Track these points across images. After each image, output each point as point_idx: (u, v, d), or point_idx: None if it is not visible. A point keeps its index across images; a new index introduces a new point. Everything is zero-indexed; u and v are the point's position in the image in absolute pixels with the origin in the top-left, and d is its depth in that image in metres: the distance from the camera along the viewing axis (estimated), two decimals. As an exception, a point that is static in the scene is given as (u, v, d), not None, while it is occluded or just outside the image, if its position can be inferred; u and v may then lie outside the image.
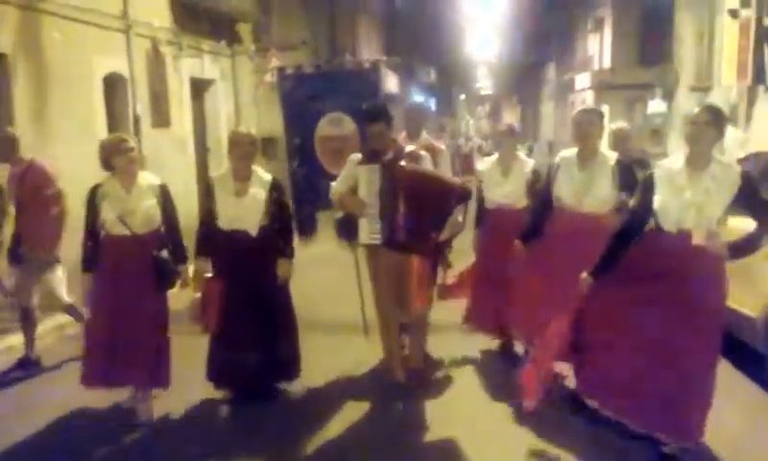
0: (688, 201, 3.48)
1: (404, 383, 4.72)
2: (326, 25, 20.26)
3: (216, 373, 4.49)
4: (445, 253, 5.06)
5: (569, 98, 30.88)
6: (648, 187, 3.66)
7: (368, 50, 24.63)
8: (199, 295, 4.33)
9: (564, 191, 4.32)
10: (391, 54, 29.78)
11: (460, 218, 4.58)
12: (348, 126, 5.65)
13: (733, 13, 12.10)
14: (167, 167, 10.46)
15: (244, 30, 13.93)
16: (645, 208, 3.65)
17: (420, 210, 4.16)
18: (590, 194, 4.23)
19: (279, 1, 15.63)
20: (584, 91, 26.68)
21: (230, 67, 13.50)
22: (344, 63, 6.12)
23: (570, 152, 4.45)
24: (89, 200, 4.25)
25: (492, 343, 5.45)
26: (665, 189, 3.57)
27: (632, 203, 3.83)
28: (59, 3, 8.28)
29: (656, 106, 18.18)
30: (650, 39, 20.20)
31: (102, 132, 9.29)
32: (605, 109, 18.00)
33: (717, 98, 13.85)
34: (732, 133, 9.96)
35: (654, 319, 3.56)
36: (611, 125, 5.64)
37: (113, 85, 9.67)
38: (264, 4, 14.75)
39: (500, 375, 4.98)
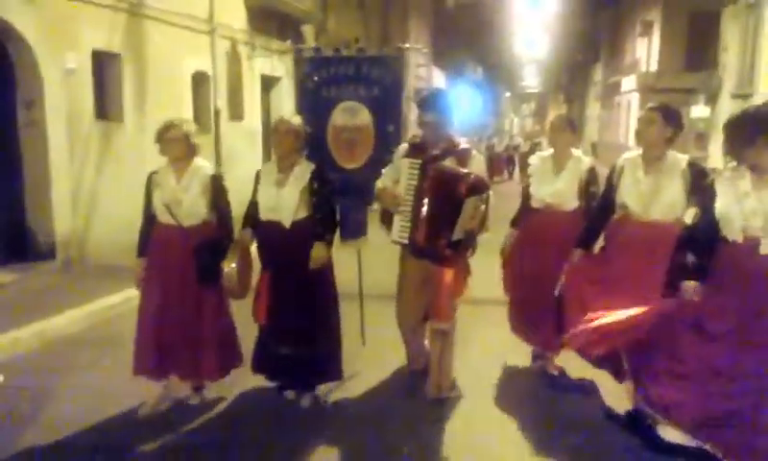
0: (754, 207, 3.26)
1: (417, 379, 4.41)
2: (379, 23, 21.25)
3: (257, 363, 4.38)
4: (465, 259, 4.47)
5: (615, 100, 31.27)
6: (710, 195, 3.42)
7: (415, 47, 25.47)
8: (234, 265, 4.02)
9: (630, 197, 3.92)
10: (440, 51, 30.66)
11: (480, 210, 3.95)
12: (364, 116, 5.15)
13: (775, 25, 12.62)
14: (240, 157, 11.69)
15: (307, 30, 15.07)
16: (709, 217, 3.41)
17: (438, 211, 3.86)
18: (658, 200, 3.84)
19: (337, 3, 16.67)
20: (630, 93, 27.10)
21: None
22: (365, 49, 5.31)
23: (634, 154, 4.05)
24: (146, 186, 4.19)
25: (519, 359, 4.99)
26: (727, 195, 3.35)
27: (694, 212, 3.55)
28: (159, 9, 9.48)
29: (699, 111, 18.64)
30: (697, 45, 20.60)
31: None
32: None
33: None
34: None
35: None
36: None
37: (199, 82, 10.87)
38: (323, 5, 15.80)
39: (523, 396, 4.54)
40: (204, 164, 4.22)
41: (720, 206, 3.35)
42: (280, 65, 13.86)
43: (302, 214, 4.12)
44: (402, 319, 4.42)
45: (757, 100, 14.72)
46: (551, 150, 4.74)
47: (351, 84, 5.19)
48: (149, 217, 4.19)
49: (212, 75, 11.11)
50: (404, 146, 4.32)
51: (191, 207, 4.08)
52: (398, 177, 4.13)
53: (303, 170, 4.16)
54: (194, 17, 10.48)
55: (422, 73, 26.64)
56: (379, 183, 4.26)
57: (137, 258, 4.21)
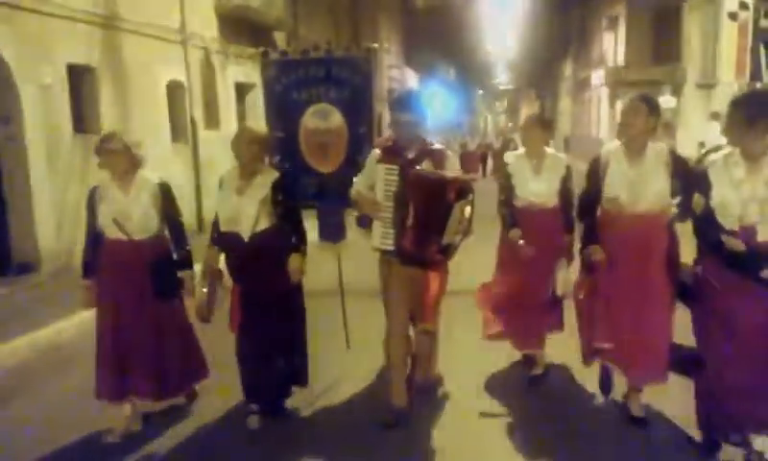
0: (750, 194, 3.23)
1: (403, 410, 4.11)
2: (350, 28, 21.49)
3: (243, 385, 4.16)
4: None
5: (585, 94, 31.83)
6: (704, 183, 3.38)
7: (387, 49, 25.77)
8: (205, 290, 3.98)
9: (620, 189, 3.81)
10: (411, 52, 30.99)
11: (466, 213, 3.89)
12: (336, 119, 5.09)
13: (732, 16, 13.11)
14: (218, 165, 11.78)
15: (279, 37, 15.24)
16: (689, 207, 3.47)
17: (426, 217, 3.77)
18: (647, 190, 3.74)
19: (307, 9, 16.88)
20: (599, 87, 27.62)
21: (269, 72, 14.75)
22: (333, 50, 5.25)
23: (615, 145, 3.95)
24: (88, 201, 4.00)
25: (506, 360, 4.94)
26: (722, 183, 3.29)
27: (679, 200, 3.58)
28: (132, 21, 9.61)
29: (666, 101, 19.16)
30: (661, 38, 21.10)
31: (166, 133, 10.66)
32: (618, 104, 19.11)
33: (721, 95, 14.87)
34: (717, 127, 11.05)
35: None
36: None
37: (174, 92, 11.00)
38: (293, 12, 15.99)
39: (514, 396, 4.47)
40: (149, 175, 4.04)
41: (716, 194, 3.29)
42: (254, 72, 13.95)
43: (263, 226, 3.95)
44: (393, 315, 4.14)
45: (720, 89, 15.23)
46: (523, 148, 4.73)
47: (322, 86, 5.12)
48: (94, 235, 3.98)
49: (187, 85, 11.25)
50: (376, 151, 4.17)
51: (142, 220, 3.92)
52: (372, 182, 4.04)
53: (265, 179, 4.02)
54: (166, 28, 10.60)
55: (396, 74, 26.91)
56: (354, 191, 4.17)
57: (83, 280, 4.00)
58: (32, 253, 7.86)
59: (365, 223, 4.21)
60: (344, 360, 4.97)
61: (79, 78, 8.73)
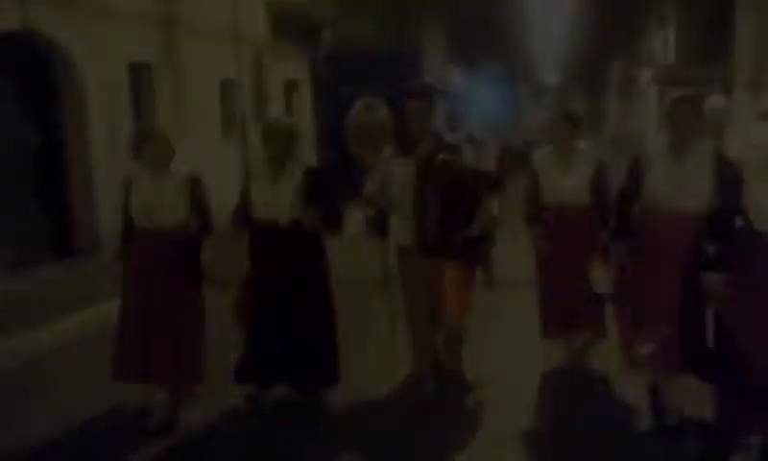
0: None
1: (433, 395, 4.20)
2: (396, 24, 21.65)
3: (244, 367, 4.20)
4: (488, 255, 4.38)
5: (633, 92, 31.38)
6: (741, 184, 3.34)
7: (432, 45, 25.88)
8: (214, 256, 4.11)
9: (661, 188, 3.76)
10: (456, 48, 30.98)
11: (495, 212, 3.93)
12: (383, 112, 5.08)
13: (786, 15, 12.80)
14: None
15: (326, 34, 15.59)
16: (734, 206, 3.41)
17: (452, 209, 3.77)
18: (691, 190, 3.67)
19: (353, 7, 17.17)
20: (647, 86, 27.22)
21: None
22: (379, 47, 5.59)
23: (659, 142, 3.95)
24: (124, 187, 4.13)
25: (538, 358, 4.89)
26: (758, 185, 3.25)
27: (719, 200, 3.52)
28: (188, 21, 10.07)
29: (716, 101, 18.79)
30: (711, 37, 20.67)
31: (217, 128, 11.12)
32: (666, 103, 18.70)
33: (771, 95, 14.57)
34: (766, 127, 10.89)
35: None
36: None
37: (226, 89, 11.45)
38: (341, 9, 16.33)
39: (544, 401, 4.42)
40: (181, 166, 4.11)
41: (752, 193, 3.27)
42: (302, 69, 14.39)
43: (297, 213, 4.00)
44: (414, 311, 4.20)
45: (772, 89, 14.90)
46: (551, 146, 4.67)
47: (369, 80, 5.57)
48: (127, 221, 4.11)
49: (238, 81, 11.68)
50: (390, 149, 4.18)
51: (170, 209, 3.98)
52: (385, 180, 4.06)
53: (296, 168, 4.09)
54: (220, 27, 11.05)
55: (440, 70, 27.00)
56: (367, 190, 4.16)
57: (122, 262, 4.17)
58: (92, 236, 8.38)
59: (379, 225, 4.25)
60: (388, 351, 4.97)
61: (138, 74, 9.22)
